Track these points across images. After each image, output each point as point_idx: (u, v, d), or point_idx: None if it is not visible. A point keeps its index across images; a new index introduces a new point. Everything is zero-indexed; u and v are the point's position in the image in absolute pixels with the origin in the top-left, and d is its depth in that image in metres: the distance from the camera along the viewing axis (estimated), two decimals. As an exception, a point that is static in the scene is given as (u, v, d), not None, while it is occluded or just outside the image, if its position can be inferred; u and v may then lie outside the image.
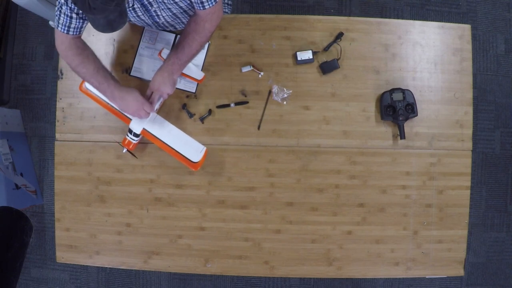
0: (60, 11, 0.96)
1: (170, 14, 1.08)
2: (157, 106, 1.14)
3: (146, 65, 1.23)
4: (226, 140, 1.22)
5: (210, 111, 1.21)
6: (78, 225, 1.24)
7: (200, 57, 1.22)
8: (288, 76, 1.22)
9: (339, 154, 1.21)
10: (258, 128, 1.20)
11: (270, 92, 1.21)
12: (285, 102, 1.20)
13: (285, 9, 2.05)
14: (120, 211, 1.23)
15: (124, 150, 1.17)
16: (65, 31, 0.99)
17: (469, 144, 1.23)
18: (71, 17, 0.96)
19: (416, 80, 1.23)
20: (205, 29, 1.05)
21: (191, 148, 1.13)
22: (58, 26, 0.99)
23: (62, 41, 1.03)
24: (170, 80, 1.08)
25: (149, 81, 1.22)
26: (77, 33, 1.01)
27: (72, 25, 0.98)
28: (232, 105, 1.21)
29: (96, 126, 1.24)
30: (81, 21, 0.98)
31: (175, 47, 1.09)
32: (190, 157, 1.12)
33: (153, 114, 1.13)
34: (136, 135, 1.14)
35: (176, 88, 1.22)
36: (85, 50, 1.06)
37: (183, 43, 1.06)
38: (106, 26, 0.86)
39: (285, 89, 1.20)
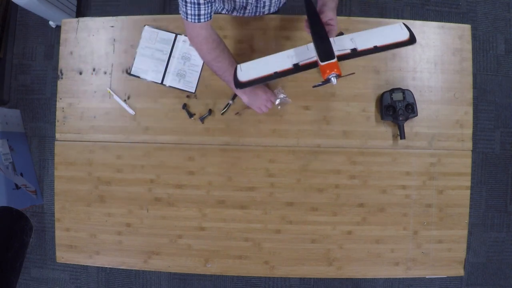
0: (185, 1, 0.88)
1: None
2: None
3: (146, 65, 1.24)
4: (226, 140, 1.22)
5: (210, 111, 1.21)
6: (78, 225, 1.24)
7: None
8: (288, 76, 1.22)
9: (339, 154, 1.21)
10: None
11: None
12: (279, 107, 1.20)
13: (285, 9, 2.05)
14: (120, 211, 1.23)
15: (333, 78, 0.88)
16: (196, 20, 0.91)
17: (469, 144, 1.23)
18: (198, 4, 0.88)
19: (416, 80, 1.23)
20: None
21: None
22: (187, 17, 0.91)
23: (197, 33, 0.95)
24: (335, 5, 0.96)
25: (149, 81, 1.23)
26: (208, 18, 0.93)
27: (202, 12, 0.90)
28: (231, 101, 1.21)
29: (96, 126, 1.24)
30: (209, 5, 0.90)
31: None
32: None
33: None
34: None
35: (176, 88, 1.22)
36: (220, 44, 0.99)
37: None
38: None
39: (287, 97, 1.19)
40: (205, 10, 0.90)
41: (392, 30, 0.90)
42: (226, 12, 1.22)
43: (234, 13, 1.20)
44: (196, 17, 0.91)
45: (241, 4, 1.09)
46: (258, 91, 1.11)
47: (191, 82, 1.22)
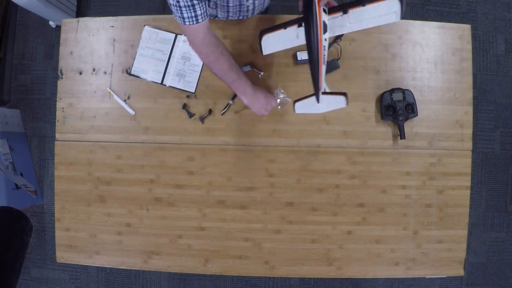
0: (179, 7, 0.87)
1: None
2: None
3: (146, 65, 1.24)
4: (226, 140, 1.22)
5: (210, 111, 1.21)
6: (78, 225, 1.24)
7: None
8: (288, 76, 1.22)
9: (339, 154, 1.21)
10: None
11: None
12: (279, 107, 1.20)
13: (285, 9, 2.05)
14: (120, 211, 1.23)
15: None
16: (194, 22, 0.91)
17: (469, 144, 1.23)
18: (193, 5, 0.87)
19: (416, 80, 1.23)
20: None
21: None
22: (184, 22, 0.91)
23: (195, 36, 0.95)
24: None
25: (149, 81, 1.23)
26: (205, 17, 0.93)
27: (198, 12, 0.90)
28: (231, 101, 1.21)
29: (96, 126, 1.24)
30: (202, 3, 0.89)
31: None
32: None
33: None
34: None
35: (176, 88, 1.22)
36: (219, 46, 0.99)
37: None
38: None
39: (287, 97, 1.19)
40: (200, 9, 0.90)
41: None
42: (211, 17, 1.21)
43: (219, 15, 1.18)
44: (194, 19, 0.90)
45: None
46: (259, 95, 1.11)
47: (191, 82, 1.22)
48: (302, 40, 0.96)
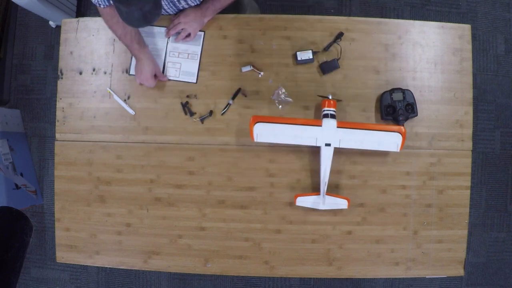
0: None
1: None
2: (176, 37, 1.22)
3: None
4: (226, 140, 1.22)
5: (211, 112, 1.21)
6: (78, 225, 1.24)
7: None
8: (288, 76, 1.22)
9: (339, 154, 1.21)
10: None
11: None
12: (280, 106, 1.20)
13: (285, 9, 2.05)
14: (120, 211, 1.23)
15: None
16: (100, 5, 1.12)
17: (469, 144, 1.23)
18: None
19: (416, 80, 1.23)
20: None
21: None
22: (98, 3, 1.11)
23: (101, 13, 1.16)
24: (201, 20, 1.19)
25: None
26: (106, 5, 1.12)
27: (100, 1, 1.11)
28: (231, 101, 1.21)
29: (96, 126, 1.24)
30: None
31: None
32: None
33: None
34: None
35: (176, 80, 1.23)
36: (115, 16, 1.13)
37: None
38: (141, 19, 0.90)
39: (288, 97, 1.19)
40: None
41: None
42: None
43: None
44: (98, 1, 1.11)
45: None
46: (145, 65, 1.17)
47: (191, 73, 1.22)
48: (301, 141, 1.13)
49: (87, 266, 1.96)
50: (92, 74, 1.25)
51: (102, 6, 1.13)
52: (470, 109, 1.23)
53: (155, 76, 1.20)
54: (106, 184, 1.23)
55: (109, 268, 1.97)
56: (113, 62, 1.25)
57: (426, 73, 1.23)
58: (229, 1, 1.19)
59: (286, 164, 1.21)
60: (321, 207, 1.14)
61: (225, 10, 1.22)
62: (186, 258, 1.22)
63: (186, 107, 1.21)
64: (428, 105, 1.22)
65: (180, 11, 1.22)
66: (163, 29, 1.23)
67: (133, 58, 1.22)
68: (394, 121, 1.19)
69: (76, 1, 2.09)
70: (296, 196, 1.16)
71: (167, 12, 1.21)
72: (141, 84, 1.21)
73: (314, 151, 1.21)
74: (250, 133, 1.11)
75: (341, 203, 1.15)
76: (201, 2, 1.18)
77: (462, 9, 2.07)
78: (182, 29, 1.19)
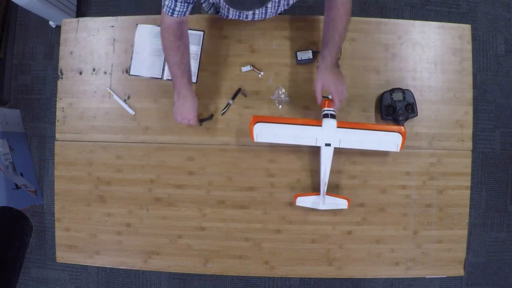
0: None
1: None
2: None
3: (144, 62, 1.23)
4: (226, 140, 1.22)
5: (211, 116, 1.21)
6: (78, 225, 1.24)
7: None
8: (288, 76, 1.22)
9: (339, 154, 1.21)
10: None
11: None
12: (280, 106, 1.20)
13: (286, 10, 2.05)
14: (120, 211, 1.23)
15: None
16: (170, 13, 0.99)
17: (469, 144, 1.23)
18: (176, 1, 0.96)
19: (416, 80, 1.23)
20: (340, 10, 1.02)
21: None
22: (164, 7, 1.00)
23: (164, 21, 1.03)
24: (340, 76, 1.07)
25: (150, 78, 1.22)
26: (182, 15, 1.01)
27: (177, 9, 0.98)
28: (231, 101, 1.21)
29: (96, 126, 1.24)
30: (185, 5, 0.98)
31: (323, 42, 1.07)
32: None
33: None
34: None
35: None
36: (179, 41, 1.04)
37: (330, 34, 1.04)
38: (256, 1, 0.83)
39: (287, 97, 1.20)
40: (180, 8, 0.98)
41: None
42: (210, 10, 1.27)
43: (220, 12, 1.21)
44: (171, 11, 0.99)
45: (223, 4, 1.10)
46: (187, 104, 1.11)
47: (191, 72, 1.22)
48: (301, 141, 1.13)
49: (87, 266, 1.96)
50: (92, 74, 1.25)
51: (175, 15, 0.99)
52: (470, 109, 1.23)
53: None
54: (106, 184, 1.23)
55: (109, 268, 1.97)
56: (113, 62, 1.25)
57: (426, 73, 1.23)
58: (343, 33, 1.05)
59: (286, 164, 1.21)
60: (321, 207, 1.14)
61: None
62: (186, 258, 1.22)
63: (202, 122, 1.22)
64: (428, 105, 1.22)
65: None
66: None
67: (133, 58, 1.22)
68: (394, 121, 1.19)
69: (76, 1, 2.09)
70: (296, 196, 1.16)
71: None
72: (180, 122, 1.16)
73: (314, 151, 1.21)
74: (250, 133, 1.11)
75: (341, 203, 1.15)
76: (321, 58, 1.07)
77: (462, 9, 2.07)
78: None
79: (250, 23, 1.22)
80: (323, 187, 1.12)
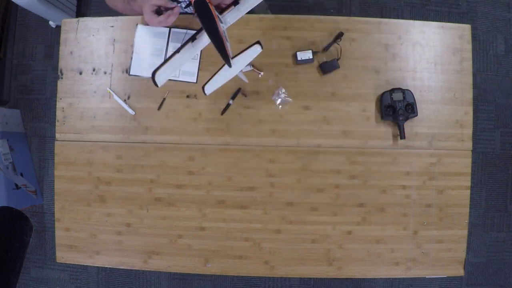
0: None
1: None
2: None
3: (144, 63, 1.23)
4: (226, 140, 1.22)
5: (228, 105, 1.21)
6: (78, 225, 1.24)
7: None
8: (288, 76, 1.22)
9: (339, 154, 1.21)
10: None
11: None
12: (280, 107, 1.20)
13: (285, 9, 2.05)
14: (120, 211, 1.23)
15: None
16: None
17: (469, 144, 1.23)
18: None
19: (416, 80, 1.23)
20: None
21: None
22: None
23: None
24: None
25: (150, 78, 1.22)
26: None
27: None
28: (231, 101, 1.21)
29: (96, 126, 1.24)
30: None
31: None
32: None
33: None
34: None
35: (176, 80, 1.22)
36: None
37: None
38: None
39: (288, 97, 1.20)
40: None
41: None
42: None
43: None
44: None
45: None
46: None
47: (191, 73, 1.22)
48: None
49: (87, 266, 1.96)
50: (92, 74, 1.25)
51: None
52: (470, 109, 1.23)
53: (161, 12, 1.09)
54: (106, 184, 1.23)
55: (109, 268, 1.97)
56: (113, 62, 1.25)
57: (426, 73, 1.23)
58: None
59: (286, 164, 1.21)
60: (236, 71, 1.00)
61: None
62: (186, 258, 1.22)
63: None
64: (428, 105, 1.22)
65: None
66: (162, 29, 1.23)
67: (133, 58, 1.22)
68: (394, 121, 1.19)
69: (76, 1, 2.09)
70: (203, 87, 1.01)
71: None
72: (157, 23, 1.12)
73: (314, 151, 1.21)
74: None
75: (255, 50, 0.99)
76: None
77: (462, 9, 2.07)
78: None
79: (250, 23, 1.22)
80: (229, 51, 0.98)
